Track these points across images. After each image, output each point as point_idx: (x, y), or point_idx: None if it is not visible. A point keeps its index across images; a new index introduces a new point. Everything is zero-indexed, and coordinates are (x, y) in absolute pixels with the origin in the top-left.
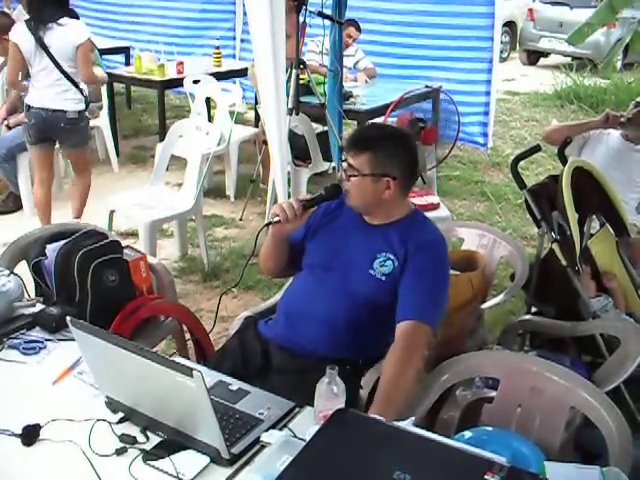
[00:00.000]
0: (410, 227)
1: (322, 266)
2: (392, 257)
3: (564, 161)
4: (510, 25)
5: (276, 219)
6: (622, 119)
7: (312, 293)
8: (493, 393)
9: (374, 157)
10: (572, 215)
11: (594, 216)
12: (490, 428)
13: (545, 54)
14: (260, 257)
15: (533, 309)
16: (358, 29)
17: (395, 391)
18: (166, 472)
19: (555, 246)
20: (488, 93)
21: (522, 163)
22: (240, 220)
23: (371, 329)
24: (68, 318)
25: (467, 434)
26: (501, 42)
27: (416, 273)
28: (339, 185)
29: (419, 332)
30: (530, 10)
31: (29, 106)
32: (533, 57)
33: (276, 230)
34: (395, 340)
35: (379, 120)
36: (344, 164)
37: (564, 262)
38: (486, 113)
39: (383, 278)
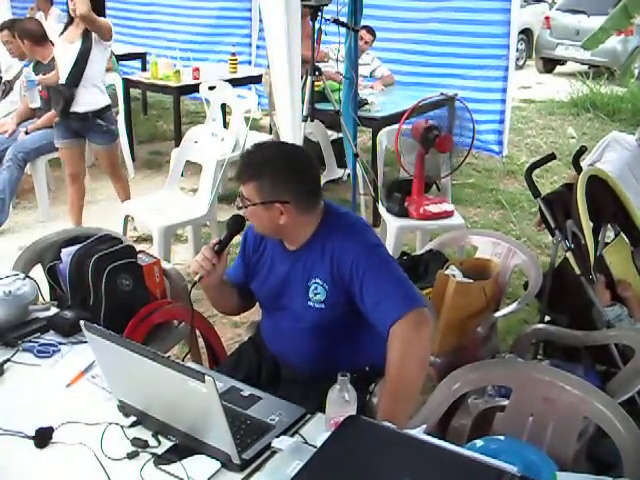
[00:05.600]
0: (326, 238)
1: (272, 308)
2: (320, 282)
3: (579, 170)
4: (526, 33)
5: (198, 277)
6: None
7: (277, 334)
8: (505, 402)
9: (259, 185)
10: (586, 224)
11: (609, 225)
12: (502, 437)
13: (561, 62)
14: (212, 305)
15: (547, 318)
16: (371, 33)
17: (401, 387)
18: (177, 476)
19: (569, 255)
20: (504, 101)
21: (537, 171)
22: None
23: (350, 343)
24: (82, 322)
25: (478, 443)
26: (517, 50)
27: (370, 280)
28: (241, 215)
29: (413, 322)
30: (547, 18)
31: None
32: (549, 65)
33: (206, 284)
34: (389, 343)
35: (394, 127)
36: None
37: (578, 271)
38: (501, 121)
39: (323, 306)
